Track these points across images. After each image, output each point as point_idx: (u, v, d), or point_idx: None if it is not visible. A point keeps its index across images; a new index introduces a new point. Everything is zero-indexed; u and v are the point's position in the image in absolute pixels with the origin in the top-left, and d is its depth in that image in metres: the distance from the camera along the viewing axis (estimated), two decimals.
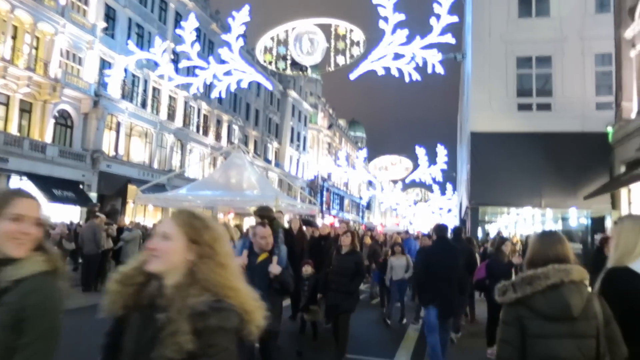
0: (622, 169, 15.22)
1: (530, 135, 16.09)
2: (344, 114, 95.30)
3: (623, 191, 15.09)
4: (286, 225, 8.93)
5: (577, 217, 18.23)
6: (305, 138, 63.01)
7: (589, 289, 2.32)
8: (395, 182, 74.26)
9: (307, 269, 7.10)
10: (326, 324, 7.03)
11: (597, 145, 15.78)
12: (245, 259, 4.38)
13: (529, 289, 2.21)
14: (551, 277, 2.20)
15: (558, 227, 18.97)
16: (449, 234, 7.38)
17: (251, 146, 47.94)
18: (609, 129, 15.84)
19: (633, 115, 14.69)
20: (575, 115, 16.17)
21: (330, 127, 73.95)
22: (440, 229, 6.59)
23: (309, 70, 23.52)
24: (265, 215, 5.82)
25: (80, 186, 25.64)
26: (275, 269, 4.24)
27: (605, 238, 8.02)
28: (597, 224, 16.88)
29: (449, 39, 15.77)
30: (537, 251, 2.38)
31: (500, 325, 2.31)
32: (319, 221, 56.30)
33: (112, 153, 28.00)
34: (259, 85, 48.71)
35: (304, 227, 9.38)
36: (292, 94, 56.87)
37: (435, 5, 15.45)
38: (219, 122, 41.38)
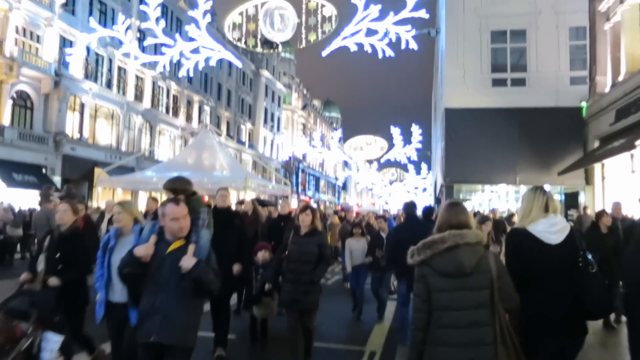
0: (596, 144, 15.13)
1: (505, 111, 15.84)
2: (318, 95, 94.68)
3: (597, 166, 15.01)
4: (233, 205, 7.74)
5: (551, 193, 18.14)
6: (279, 119, 62.15)
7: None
8: (370, 162, 74.28)
9: (264, 255, 6.01)
10: (279, 314, 6.07)
11: (571, 121, 15.64)
12: (150, 248, 3.20)
13: (429, 251, 2.70)
14: (447, 240, 2.69)
15: None
16: (420, 214, 7.32)
17: (224, 127, 46.96)
18: (583, 104, 15.70)
19: (607, 90, 14.54)
20: (550, 91, 15.96)
21: (304, 107, 73.13)
22: (408, 206, 6.57)
23: (280, 47, 22.76)
24: (179, 189, 4.31)
25: (43, 170, 24.58)
26: (186, 262, 3.10)
27: (600, 213, 7.78)
28: (571, 199, 16.84)
29: (422, 14, 15.58)
30: (443, 219, 2.85)
31: (414, 282, 2.79)
32: (294, 203, 55.92)
33: (76, 135, 26.89)
34: (230, 64, 47.54)
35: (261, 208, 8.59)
36: (265, 73, 55.80)
37: None
38: (189, 103, 40.27)
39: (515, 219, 8.81)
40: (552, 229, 3.03)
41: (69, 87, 25.75)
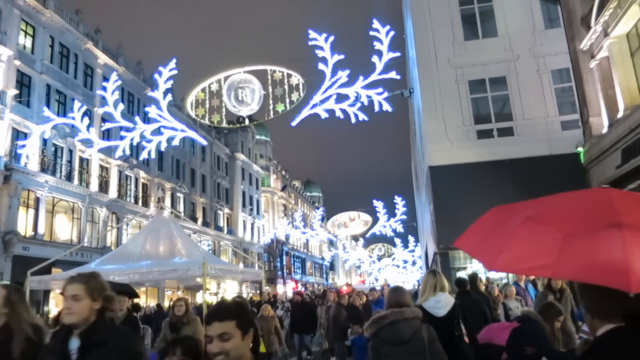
0: None
1: (495, 163, 14.27)
2: (298, 176, 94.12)
3: None
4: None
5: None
6: (258, 202, 60.39)
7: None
8: (356, 239, 72.19)
9: None
10: None
11: (569, 168, 14.07)
12: None
13: (376, 325, 3.61)
14: (389, 317, 3.58)
15: None
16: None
17: (200, 214, 44.88)
18: (580, 149, 14.21)
19: (605, 130, 13.11)
20: (541, 138, 14.54)
21: (284, 188, 71.82)
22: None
23: (247, 121, 21.47)
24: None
25: None
26: None
27: None
28: None
29: (393, 75, 15.03)
30: (388, 299, 3.81)
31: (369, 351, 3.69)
32: (279, 288, 52.97)
33: (29, 233, 24.50)
34: (203, 149, 46.48)
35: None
36: (241, 157, 54.72)
37: (375, 43, 14.47)
38: (161, 191, 38.39)
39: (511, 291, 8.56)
40: (438, 305, 4.21)
41: (22, 181, 23.76)
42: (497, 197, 13.55)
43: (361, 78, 14.75)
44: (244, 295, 30.25)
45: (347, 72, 14.65)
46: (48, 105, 25.01)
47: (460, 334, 4.24)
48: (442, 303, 4.19)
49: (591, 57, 13.75)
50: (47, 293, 24.37)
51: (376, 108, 15.22)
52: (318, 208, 70.07)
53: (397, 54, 14.83)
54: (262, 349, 9.28)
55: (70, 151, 28.07)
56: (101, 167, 31.02)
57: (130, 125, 18.10)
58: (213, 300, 27.98)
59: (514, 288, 8.60)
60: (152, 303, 28.47)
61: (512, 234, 1.65)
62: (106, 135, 27.55)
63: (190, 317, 6.67)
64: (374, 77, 14.70)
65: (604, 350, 1.53)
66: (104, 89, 18.07)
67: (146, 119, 20.89)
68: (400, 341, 3.33)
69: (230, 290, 43.92)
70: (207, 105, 19.21)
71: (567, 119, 14.75)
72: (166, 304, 28.03)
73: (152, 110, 17.32)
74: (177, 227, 13.47)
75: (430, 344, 3.44)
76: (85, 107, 18.34)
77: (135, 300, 16.20)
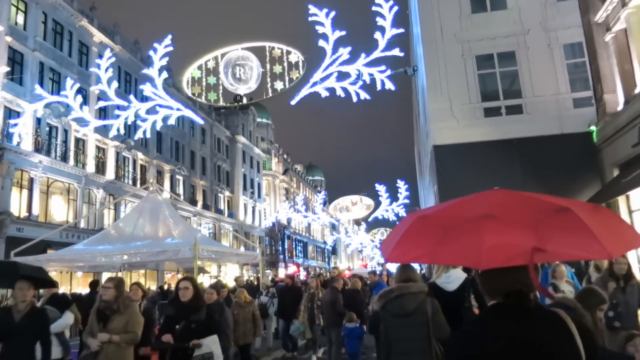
0: (615, 172, 12.77)
1: (503, 142, 13.59)
2: (300, 160, 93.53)
3: (620, 199, 12.55)
4: None
5: None
6: (259, 185, 59.81)
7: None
8: (358, 223, 71.80)
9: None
10: None
11: (581, 148, 13.36)
12: None
13: (383, 299, 3.89)
14: (395, 291, 3.86)
15: None
16: None
17: (200, 196, 44.35)
18: (593, 128, 13.49)
19: (620, 107, 12.37)
20: (551, 116, 13.80)
21: (285, 172, 71.19)
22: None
23: (244, 100, 20.80)
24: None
25: None
26: None
27: None
28: None
29: (396, 52, 14.31)
30: (397, 275, 4.15)
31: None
32: (281, 272, 52.66)
33: (23, 214, 23.98)
34: (203, 131, 45.80)
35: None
36: (242, 139, 53.99)
37: (378, 19, 13.74)
38: (159, 173, 37.78)
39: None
40: (448, 280, 4.50)
41: (14, 161, 23.16)
42: (504, 178, 12.99)
43: (363, 55, 14.15)
44: (245, 278, 29.72)
45: (349, 49, 14.07)
46: (41, 84, 24.26)
47: (469, 305, 4.53)
48: (452, 278, 4.48)
49: (606, 30, 12.96)
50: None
51: (378, 86, 14.73)
52: (320, 192, 69.49)
53: (401, 30, 14.21)
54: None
55: (66, 131, 27.42)
56: (98, 147, 30.40)
57: (125, 103, 17.56)
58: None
59: (564, 268, 7.42)
60: (153, 286, 27.94)
61: (405, 231, 1.90)
62: (103, 115, 26.89)
63: (124, 303, 5.06)
64: (376, 54, 14.05)
65: (483, 320, 1.93)
66: (98, 66, 17.49)
67: (143, 99, 20.32)
68: (404, 313, 3.56)
69: (231, 273, 43.60)
70: (204, 83, 18.67)
71: (579, 96, 13.99)
72: (166, 287, 27.54)
73: (146, 88, 16.80)
74: (170, 208, 12.90)
75: (434, 316, 3.69)
76: (78, 85, 17.62)
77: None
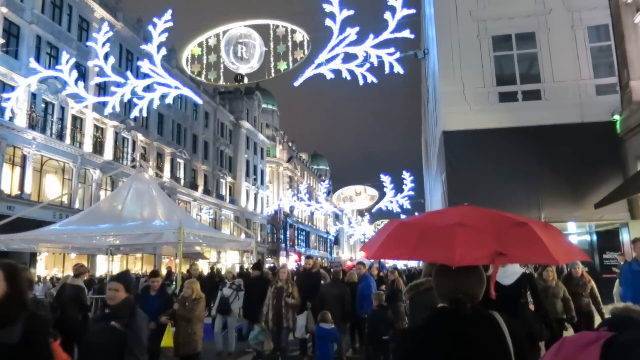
0: (639, 165, 11.81)
1: (518, 130, 12.61)
2: (305, 148, 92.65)
3: None
4: None
5: (578, 233, 14.65)
6: (263, 172, 58.96)
7: None
8: (362, 213, 71.03)
9: None
10: None
11: (603, 139, 12.34)
12: None
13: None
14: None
15: None
16: None
17: (201, 181, 43.56)
18: (616, 117, 12.47)
19: None
20: (572, 104, 12.78)
21: (290, 159, 70.30)
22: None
23: (245, 80, 19.86)
24: None
25: None
26: None
27: None
28: (607, 239, 13.36)
29: (406, 34, 13.25)
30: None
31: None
32: (282, 260, 51.91)
33: (15, 192, 23.24)
34: (207, 115, 44.91)
35: None
36: (246, 125, 53.06)
37: None
38: (160, 156, 36.97)
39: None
40: (505, 274, 4.53)
41: (6, 137, 22.38)
42: (520, 169, 12.00)
43: (371, 36, 13.36)
44: (245, 265, 28.90)
45: (357, 29, 13.32)
46: (38, 58, 23.39)
47: (525, 301, 4.59)
48: (508, 272, 4.54)
49: (636, 11, 11.96)
50: (33, 256, 23.26)
51: (387, 69, 13.84)
52: (324, 181, 68.72)
53: (412, 11, 13.26)
54: (168, 342, 6.82)
55: (62, 108, 26.59)
56: (96, 127, 29.59)
57: (122, 80, 16.74)
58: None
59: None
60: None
61: (388, 234, 2.24)
62: (102, 93, 26.07)
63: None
64: (385, 35, 13.20)
65: (431, 319, 2.11)
66: (95, 40, 16.63)
67: (143, 77, 19.57)
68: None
69: (230, 260, 42.92)
70: (205, 62, 17.85)
71: (603, 82, 12.95)
72: (164, 271, 26.86)
73: (144, 65, 15.97)
74: (157, 188, 12.03)
75: None
76: (74, 60, 16.78)
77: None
